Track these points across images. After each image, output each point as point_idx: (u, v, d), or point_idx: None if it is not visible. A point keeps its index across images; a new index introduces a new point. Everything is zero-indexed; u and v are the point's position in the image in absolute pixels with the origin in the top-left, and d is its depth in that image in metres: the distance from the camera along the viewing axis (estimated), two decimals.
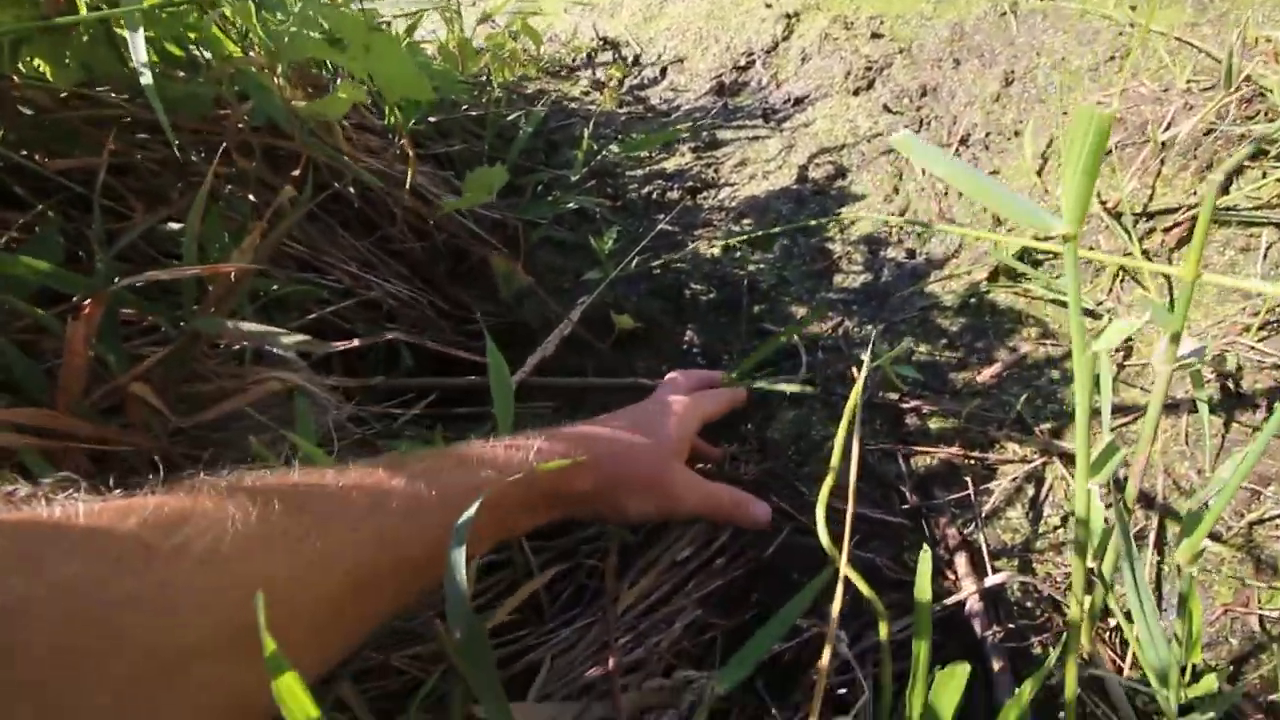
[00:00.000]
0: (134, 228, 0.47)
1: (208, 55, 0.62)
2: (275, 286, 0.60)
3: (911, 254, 0.85)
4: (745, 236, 0.92)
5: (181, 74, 0.63)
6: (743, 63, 1.29)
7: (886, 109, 1.03)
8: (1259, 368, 0.57)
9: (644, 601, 0.56)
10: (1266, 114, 0.72)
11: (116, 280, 0.43)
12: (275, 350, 0.56)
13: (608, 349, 0.86)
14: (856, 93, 1.10)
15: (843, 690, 0.48)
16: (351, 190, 0.74)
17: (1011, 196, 0.21)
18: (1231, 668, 0.47)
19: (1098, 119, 0.17)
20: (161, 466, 0.44)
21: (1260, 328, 0.60)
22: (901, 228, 0.88)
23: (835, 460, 0.43)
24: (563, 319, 0.81)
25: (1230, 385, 0.57)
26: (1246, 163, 0.70)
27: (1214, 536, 0.51)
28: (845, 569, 0.36)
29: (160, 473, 0.36)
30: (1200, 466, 0.54)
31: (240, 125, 0.57)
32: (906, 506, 0.58)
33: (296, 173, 0.65)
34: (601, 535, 0.59)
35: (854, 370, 0.73)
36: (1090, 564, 0.39)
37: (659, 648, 0.52)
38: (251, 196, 0.61)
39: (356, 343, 0.52)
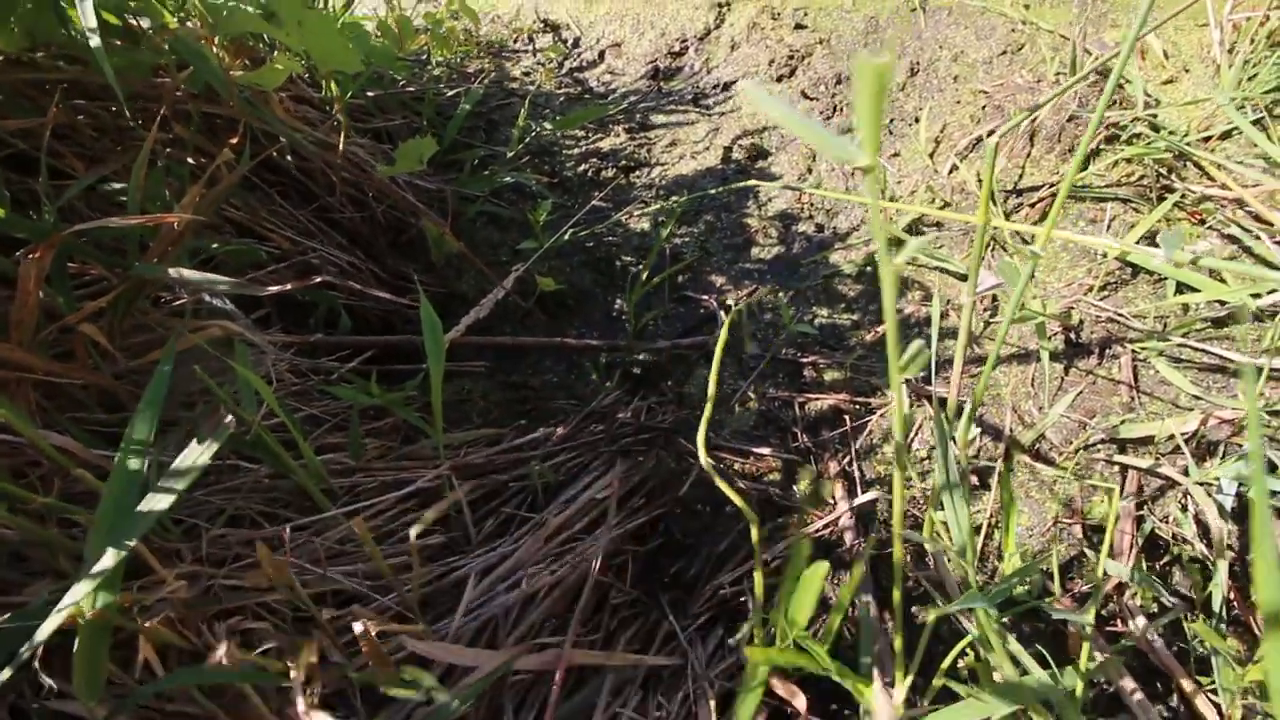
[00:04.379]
0: (78, 183, 0.51)
1: (145, 24, 0.64)
2: (215, 245, 0.63)
3: (820, 228, 0.93)
4: (662, 206, 0.99)
5: (119, 42, 0.66)
6: (677, 49, 1.34)
7: (805, 95, 1.11)
8: (1096, 320, 0.67)
9: (565, 532, 0.62)
10: (1121, 103, 0.82)
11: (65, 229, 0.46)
12: (216, 304, 0.60)
13: (542, 320, 0.91)
14: (780, 79, 1.17)
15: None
16: (289, 159, 0.77)
17: (824, 134, 0.27)
18: (1058, 567, 0.56)
19: (876, 69, 0.24)
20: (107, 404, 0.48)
21: (1101, 287, 0.69)
22: (812, 204, 0.95)
23: (710, 406, 0.50)
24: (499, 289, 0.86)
25: (1072, 336, 0.66)
26: (1102, 146, 0.79)
27: (1047, 461, 0.60)
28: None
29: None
30: (1041, 404, 0.63)
31: (179, 90, 0.60)
32: (797, 445, 0.66)
33: (235, 141, 0.69)
34: (527, 476, 0.65)
35: (765, 332, 0.81)
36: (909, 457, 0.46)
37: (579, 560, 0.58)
38: (190, 160, 0.64)
39: (290, 286, 0.56)
